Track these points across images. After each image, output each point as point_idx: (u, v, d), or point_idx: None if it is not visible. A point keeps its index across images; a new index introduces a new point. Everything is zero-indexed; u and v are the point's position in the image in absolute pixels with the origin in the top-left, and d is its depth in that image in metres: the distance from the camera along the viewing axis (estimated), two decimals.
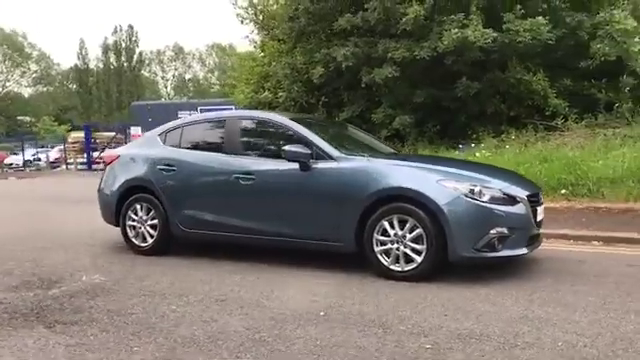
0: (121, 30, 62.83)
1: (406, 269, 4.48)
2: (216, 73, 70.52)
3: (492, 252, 4.37)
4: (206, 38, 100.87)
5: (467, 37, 11.13)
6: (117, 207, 5.91)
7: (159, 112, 41.05)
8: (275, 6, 17.41)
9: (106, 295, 4.42)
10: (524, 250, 4.54)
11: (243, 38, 21.17)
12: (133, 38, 63.42)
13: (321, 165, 4.87)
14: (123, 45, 63.33)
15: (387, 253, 4.56)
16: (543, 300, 3.92)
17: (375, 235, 4.58)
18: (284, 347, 3.23)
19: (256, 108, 16.71)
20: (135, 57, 64.09)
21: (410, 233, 4.45)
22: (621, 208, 7.50)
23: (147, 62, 67.79)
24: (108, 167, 6.20)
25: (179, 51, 68.89)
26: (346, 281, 4.58)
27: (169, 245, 5.75)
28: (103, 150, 25.73)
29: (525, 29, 11.18)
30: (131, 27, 62.98)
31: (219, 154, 5.45)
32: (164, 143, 5.89)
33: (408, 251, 4.47)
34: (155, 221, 5.69)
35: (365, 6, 12.46)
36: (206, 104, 43.75)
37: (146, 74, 68.24)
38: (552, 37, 11.45)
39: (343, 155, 4.92)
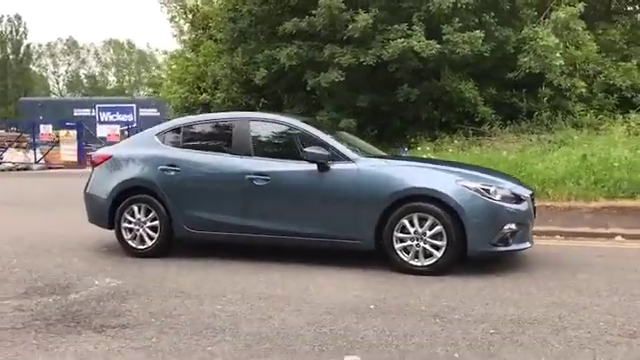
0: (9, 20, 58.35)
1: (426, 264, 4.80)
2: (113, 69, 67.60)
3: (505, 246, 4.81)
4: (102, 33, 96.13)
5: (413, 47, 11.73)
6: (111, 209, 5.71)
7: (52, 109, 38.69)
8: (206, 7, 17.22)
9: (137, 298, 4.33)
10: (528, 244, 5.02)
11: (173, 36, 20.57)
12: (21, 29, 59.13)
13: (339, 166, 5.07)
14: (9, 36, 58.75)
15: (406, 249, 4.85)
16: (560, 287, 4.40)
17: (395, 233, 4.86)
18: (360, 338, 3.41)
19: (190, 109, 16.46)
20: (22, 49, 59.70)
21: (430, 230, 4.77)
22: (565, 206, 8.35)
23: (36, 55, 63.54)
24: (97, 168, 5.95)
25: (73, 45, 65.36)
26: (372, 276, 4.82)
27: (169, 247, 5.66)
28: (5, 150, 23.82)
29: (464, 41, 11.99)
30: (18, 17, 58.71)
31: (228, 155, 5.47)
32: (163, 143, 5.78)
33: (428, 247, 4.79)
34: (155, 222, 5.58)
35: (312, 12, 12.71)
36: (104, 102, 41.87)
37: (35, 68, 63.86)
38: (487, 50, 12.37)
39: (360, 157, 5.16)
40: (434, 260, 4.78)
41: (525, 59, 12.52)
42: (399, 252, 4.86)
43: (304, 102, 14.57)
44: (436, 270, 4.76)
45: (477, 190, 4.76)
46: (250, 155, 5.40)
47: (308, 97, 14.53)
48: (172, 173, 5.54)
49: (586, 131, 12.74)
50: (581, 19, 12.86)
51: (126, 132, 26.13)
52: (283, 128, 5.56)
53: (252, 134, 5.51)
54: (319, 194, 5.09)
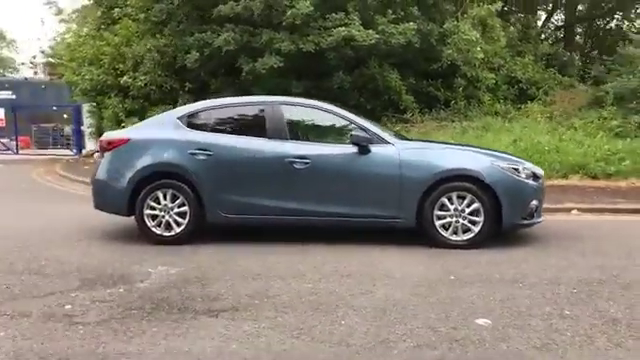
0: None
1: (464, 238, 5.25)
2: None
3: (531, 220, 5.40)
4: None
5: (354, 36, 12.15)
6: (132, 196, 5.44)
7: None
8: None
9: (215, 282, 4.27)
10: (542, 218, 5.66)
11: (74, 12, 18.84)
12: None
13: (379, 149, 5.32)
14: None
15: (444, 226, 5.26)
16: (587, 253, 5.09)
17: (435, 211, 5.24)
18: (471, 304, 3.74)
19: (103, 92, 15.49)
20: None
21: (468, 207, 5.22)
22: None
23: None
24: (111, 153, 5.59)
25: None
26: (419, 252, 5.16)
27: (197, 233, 5.53)
28: None
29: (399, 32, 12.66)
30: None
31: (263, 139, 5.46)
32: (187, 126, 5.60)
33: (466, 223, 5.23)
34: (183, 208, 5.42)
35: None
36: None
37: None
38: (417, 41, 13.16)
39: (397, 140, 5.46)
40: (472, 235, 5.23)
41: (449, 51, 13.51)
42: (439, 229, 5.25)
43: (232, 87, 14.36)
44: (473, 244, 5.22)
45: (509, 169, 5.30)
46: (286, 139, 5.45)
47: (236, 82, 14.37)
48: (203, 157, 5.40)
49: (499, 119, 14.11)
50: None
51: None
52: (317, 112, 5.66)
53: (287, 118, 5.54)
54: (360, 176, 5.30)
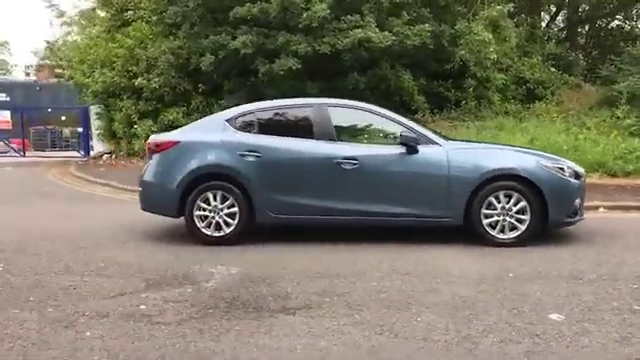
0: None
1: (511, 236, 5.35)
2: None
3: (574, 218, 5.51)
4: None
5: (370, 38, 12.24)
6: (182, 197, 5.51)
7: None
8: None
9: (282, 281, 4.34)
10: (585, 216, 5.77)
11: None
12: None
13: (427, 149, 5.41)
14: None
15: (491, 225, 5.36)
16: (633, 249, 5.21)
17: (482, 209, 5.34)
18: (538, 300, 3.84)
19: (115, 94, 15.49)
20: None
21: (515, 206, 5.32)
22: None
23: None
24: (160, 155, 5.67)
25: None
26: (468, 249, 5.26)
27: (245, 233, 5.60)
28: None
29: (414, 34, 12.77)
30: None
31: (311, 140, 5.54)
32: (235, 128, 5.67)
33: (513, 221, 5.33)
34: (233, 209, 5.49)
35: None
36: None
37: None
38: (431, 42, 13.27)
39: (445, 140, 5.56)
40: (518, 233, 5.34)
41: (462, 52, 13.63)
42: (487, 227, 5.35)
43: (245, 88, 14.45)
44: (519, 242, 5.32)
45: (554, 168, 5.41)
46: (334, 140, 5.54)
47: (248, 83, 14.45)
48: (252, 159, 5.48)
49: (511, 118, 14.25)
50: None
51: None
52: (363, 114, 5.75)
53: (333, 120, 5.62)
54: (409, 176, 5.39)
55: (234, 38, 13.34)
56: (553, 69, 17.36)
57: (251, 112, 5.80)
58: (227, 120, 5.72)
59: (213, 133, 5.66)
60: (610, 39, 22.41)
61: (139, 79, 14.21)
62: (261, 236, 5.77)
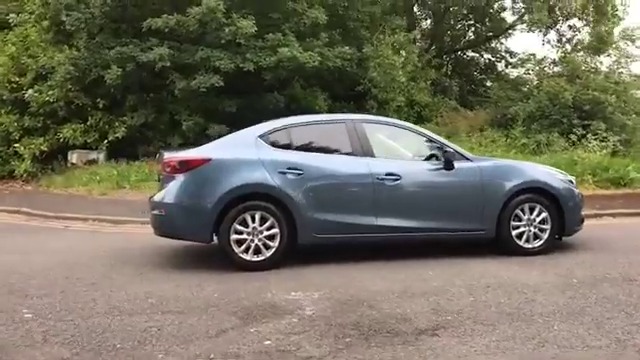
0: None
1: (536, 245, 5.69)
2: None
3: (580, 226, 6.03)
4: None
5: (296, 57, 12.23)
6: (218, 219, 5.00)
7: None
8: None
9: (382, 303, 4.15)
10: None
11: None
12: None
13: (461, 165, 5.58)
14: None
15: (519, 236, 5.67)
16: (621, 251, 5.84)
17: (511, 222, 5.63)
18: (616, 304, 4.13)
19: None
20: None
21: (538, 217, 5.69)
22: None
23: None
24: (188, 174, 5.07)
25: None
26: (505, 259, 5.48)
27: (285, 256, 5.25)
28: None
29: (335, 55, 13.03)
30: None
31: (350, 156, 5.40)
32: (270, 145, 5.30)
33: (537, 231, 5.70)
34: (273, 230, 5.11)
35: (187, 10, 12.03)
36: None
37: None
38: (350, 64, 13.62)
39: (476, 157, 5.78)
40: (541, 242, 5.69)
41: (374, 74, 14.22)
42: (515, 238, 5.64)
43: (150, 104, 13.52)
44: (542, 250, 5.69)
45: (566, 181, 5.90)
46: (372, 156, 5.45)
47: (155, 99, 13.55)
48: (293, 177, 5.16)
49: None
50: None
51: None
52: (398, 130, 5.75)
53: (368, 136, 5.53)
54: (448, 191, 5.51)
55: (142, 51, 12.45)
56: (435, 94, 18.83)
57: (284, 128, 5.48)
58: (260, 136, 5.33)
59: (247, 150, 5.23)
60: (469, 69, 24.94)
61: (30, 91, 12.51)
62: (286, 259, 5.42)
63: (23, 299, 4.33)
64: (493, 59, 23.76)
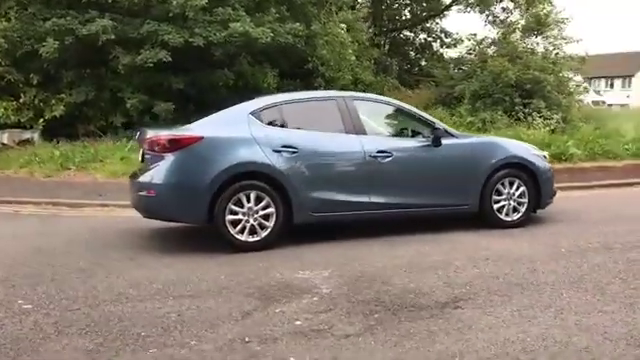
0: None
1: (515, 218, 5.92)
2: None
3: (552, 199, 6.32)
4: None
5: (248, 32, 11.91)
6: (212, 200, 4.82)
7: None
8: None
9: (394, 277, 4.19)
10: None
11: None
12: None
13: (447, 142, 5.67)
14: None
15: (499, 209, 5.88)
16: (607, 221, 6.20)
17: (493, 196, 5.82)
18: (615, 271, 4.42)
19: None
20: None
21: (517, 191, 5.91)
22: None
23: None
24: (180, 153, 4.83)
25: None
26: (490, 232, 5.66)
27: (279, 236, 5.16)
28: None
29: (286, 31, 12.81)
30: None
31: (343, 134, 5.35)
32: (262, 122, 5.15)
33: (516, 204, 5.93)
34: (269, 210, 5.00)
35: None
36: None
37: None
38: (299, 41, 13.44)
39: (460, 133, 5.90)
40: (519, 215, 5.93)
41: (323, 52, 14.13)
42: (496, 212, 5.84)
43: (90, 81, 12.78)
44: (520, 223, 5.93)
45: (540, 156, 6.16)
46: (364, 133, 5.43)
47: (95, 75, 12.82)
48: (288, 155, 5.06)
49: None
50: None
51: None
52: (387, 107, 5.76)
53: (359, 113, 5.49)
54: (436, 167, 5.59)
55: (81, 23, 11.70)
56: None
57: (275, 105, 5.34)
58: (251, 113, 5.16)
59: (240, 127, 5.05)
60: (405, 49, 25.35)
61: None
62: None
63: (13, 289, 4.00)
64: (429, 39, 24.30)
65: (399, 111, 5.86)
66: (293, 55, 15.06)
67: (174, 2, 11.63)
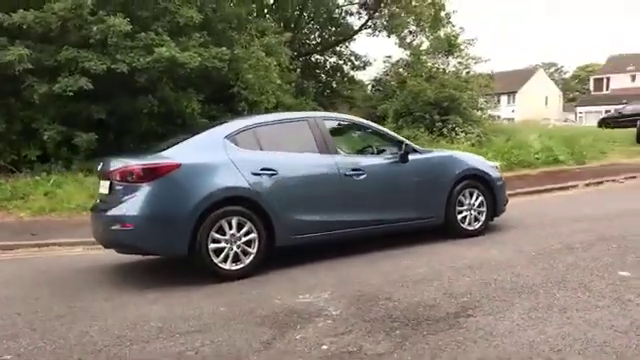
0: None
1: (476, 227, 6.18)
2: None
3: (504, 207, 6.65)
4: None
5: (176, 57, 11.62)
6: (194, 229, 4.62)
7: None
8: None
9: (399, 291, 4.21)
10: None
11: None
12: None
13: (413, 157, 5.84)
14: None
15: (462, 220, 6.13)
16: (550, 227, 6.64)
17: (456, 207, 6.06)
18: (590, 265, 4.77)
19: None
20: None
21: (476, 201, 6.20)
22: None
23: None
24: (158, 181, 4.57)
25: None
26: (456, 242, 5.89)
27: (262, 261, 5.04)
28: None
29: (212, 56, 12.63)
30: None
31: (317, 154, 5.34)
32: (238, 145, 5.02)
33: (476, 214, 6.20)
34: (251, 235, 4.87)
35: (45, 6, 10.73)
36: None
37: None
38: (224, 66, 13.29)
39: (422, 148, 6.09)
40: (480, 224, 6.20)
41: (249, 76, 14.06)
42: (460, 222, 6.08)
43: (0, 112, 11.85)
44: (481, 232, 6.22)
45: (494, 167, 6.51)
46: (336, 152, 5.47)
47: (3, 107, 11.91)
48: (268, 178, 4.97)
49: None
50: None
51: None
52: (353, 126, 5.81)
53: (330, 133, 5.51)
54: (405, 182, 5.74)
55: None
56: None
57: (249, 127, 5.22)
58: (226, 137, 5.02)
59: (215, 152, 4.89)
60: (316, 72, 25.84)
61: None
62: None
63: None
64: (340, 62, 24.95)
65: (364, 129, 5.97)
66: (216, 80, 14.86)
67: (94, 28, 11.10)
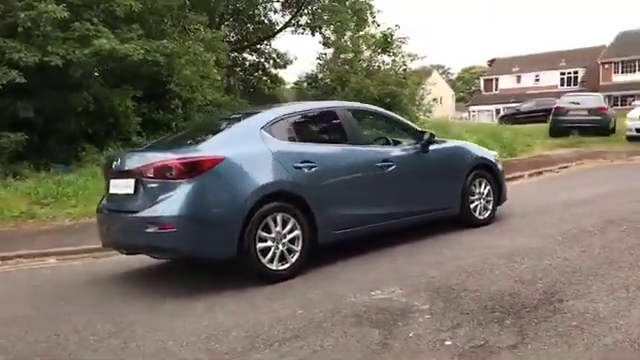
0: None
1: (486, 216, 6.21)
2: None
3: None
4: None
5: (117, 50, 10.71)
6: (243, 228, 4.19)
7: None
8: None
9: (473, 285, 4.07)
10: None
11: None
12: None
13: (432, 147, 5.74)
14: None
15: (475, 209, 6.14)
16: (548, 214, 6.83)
17: (469, 197, 6.06)
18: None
19: None
20: None
21: (485, 190, 6.24)
22: None
23: None
24: (202, 177, 4.08)
25: None
26: (467, 230, 5.87)
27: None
28: None
29: (154, 50, 11.80)
30: None
31: (347, 145, 5.08)
32: (275, 137, 4.62)
33: (485, 203, 6.24)
34: (295, 232, 4.52)
35: None
36: None
37: None
38: (163, 60, 12.46)
39: (439, 139, 6.01)
40: (489, 212, 6.23)
41: (187, 72, 13.33)
42: (472, 211, 6.09)
43: None
44: (490, 221, 6.25)
45: (497, 158, 6.59)
46: (366, 143, 5.25)
47: None
48: (308, 170, 4.63)
49: None
50: None
51: None
52: (376, 116, 5.60)
53: (358, 123, 5.29)
54: (428, 172, 5.62)
55: None
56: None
57: (282, 118, 4.83)
58: (262, 128, 4.60)
59: (254, 144, 4.46)
60: (235, 69, 25.17)
61: None
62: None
63: None
64: (261, 60, 24.47)
65: (386, 119, 5.79)
66: (149, 75, 13.94)
67: (22, 15, 9.93)
